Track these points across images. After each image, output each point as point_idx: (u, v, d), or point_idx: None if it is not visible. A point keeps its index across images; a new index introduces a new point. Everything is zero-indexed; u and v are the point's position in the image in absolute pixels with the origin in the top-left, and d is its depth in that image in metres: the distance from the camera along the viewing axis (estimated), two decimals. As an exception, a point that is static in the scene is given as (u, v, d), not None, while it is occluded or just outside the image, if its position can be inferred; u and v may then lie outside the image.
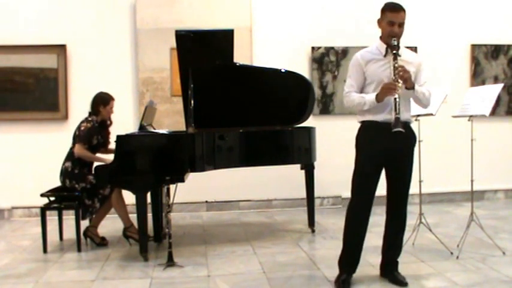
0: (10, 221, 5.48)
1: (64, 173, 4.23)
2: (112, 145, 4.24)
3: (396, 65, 2.96)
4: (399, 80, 2.95)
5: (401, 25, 3.05)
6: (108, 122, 4.43)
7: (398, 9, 3.04)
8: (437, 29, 6.05)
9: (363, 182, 3.16)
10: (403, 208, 3.26)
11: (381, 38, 3.14)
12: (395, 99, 2.94)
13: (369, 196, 3.16)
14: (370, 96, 3.06)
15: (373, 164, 3.13)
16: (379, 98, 3.01)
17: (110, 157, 4.19)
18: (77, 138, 4.20)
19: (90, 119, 4.27)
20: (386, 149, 3.10)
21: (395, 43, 3.00)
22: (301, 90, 4.61)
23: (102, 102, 4.30)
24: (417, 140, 3.26)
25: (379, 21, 3.13)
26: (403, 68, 2.98)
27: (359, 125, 3.22)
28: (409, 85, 3.03)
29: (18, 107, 5.50)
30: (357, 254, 3.23)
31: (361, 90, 3.16)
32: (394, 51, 2.99)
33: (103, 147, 4.41)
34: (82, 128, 4.19)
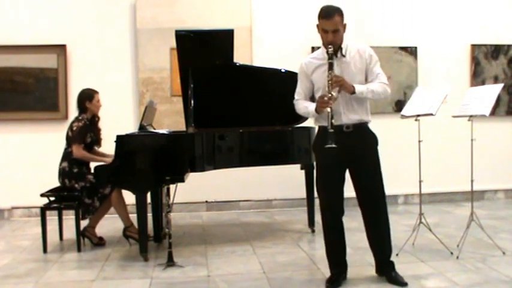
0: (10, 221, 5.48)
1: (62, 174, 4.23)
2: (112, 145, 4.24)
3: (329, 77, 2.92)
4: (332, 93, 2.90)
5: (335, 31, 2.99)
6: (97, 119, 4.43)
7: (330, 15, 2.96)
8: (437, 29, 6.04)
9: (326, 185, 3.17)
10: (380, 215, 3.19)
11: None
12: (329, 113, 2.90)
13: (335, 199, 3.17)
14: (312, 107, 3.08)
15: (331, 165, 3.10)
16: (318, 111, 3.03)
17: (109, 156, 4.21)
18: (72, 139, 4.19)
19: (80, 117, 4.28)
20: (342, 151, 2.97)
21: (331, 50, 2.96)
22: (301, 90, 4.60)
23: (87, 98, 4.31)
24: (378, 140, 3.19)
25: (317, 27, 3.07)
26: (336, 78, 2.93)
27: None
28: (348, 90, 2.98)
29: (18, 107, 5.50)
30: (341, 254, 3.25)
31: (312, 96, 3.20)
32: (330, 61, 2.94)
33: (96, 144, 4.41)
34: (74, 128, 4.19)
